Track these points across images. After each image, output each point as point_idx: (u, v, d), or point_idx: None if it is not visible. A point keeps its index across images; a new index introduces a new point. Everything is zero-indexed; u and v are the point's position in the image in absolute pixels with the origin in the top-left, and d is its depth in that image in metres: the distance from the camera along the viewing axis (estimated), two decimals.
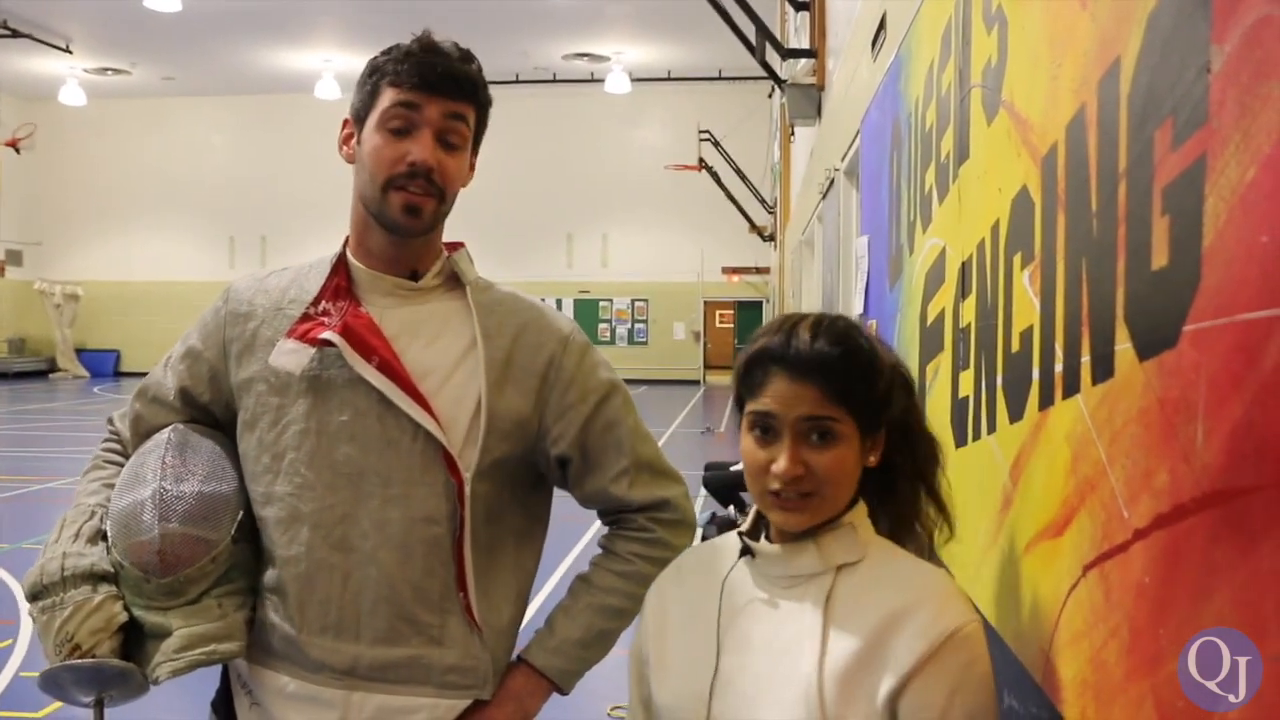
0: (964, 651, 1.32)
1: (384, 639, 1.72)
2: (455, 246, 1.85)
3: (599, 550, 1.90)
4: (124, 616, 1.68)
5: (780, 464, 1.38)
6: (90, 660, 1.63)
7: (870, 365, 1.42)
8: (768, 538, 1.49)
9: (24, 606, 6.25)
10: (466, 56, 1.75)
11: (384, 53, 1.74)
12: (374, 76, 1.73)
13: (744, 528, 1.53)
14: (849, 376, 1.39)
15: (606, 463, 1.83)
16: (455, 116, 1.72)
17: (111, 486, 1.82)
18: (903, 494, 1.51)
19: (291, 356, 1.73)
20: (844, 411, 1.38)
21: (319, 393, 1.74)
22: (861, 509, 1.46)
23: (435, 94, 1.69)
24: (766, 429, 1.40)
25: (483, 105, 1.77)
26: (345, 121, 1.79)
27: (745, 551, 1.49)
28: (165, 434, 1.83)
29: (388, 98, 1.70)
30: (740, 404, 1.46)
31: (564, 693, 1.84)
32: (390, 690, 1.72)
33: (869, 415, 1.41)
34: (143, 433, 1.89)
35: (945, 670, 1.31)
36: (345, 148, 1.79)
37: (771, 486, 1.39)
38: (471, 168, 1.80)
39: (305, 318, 1.76)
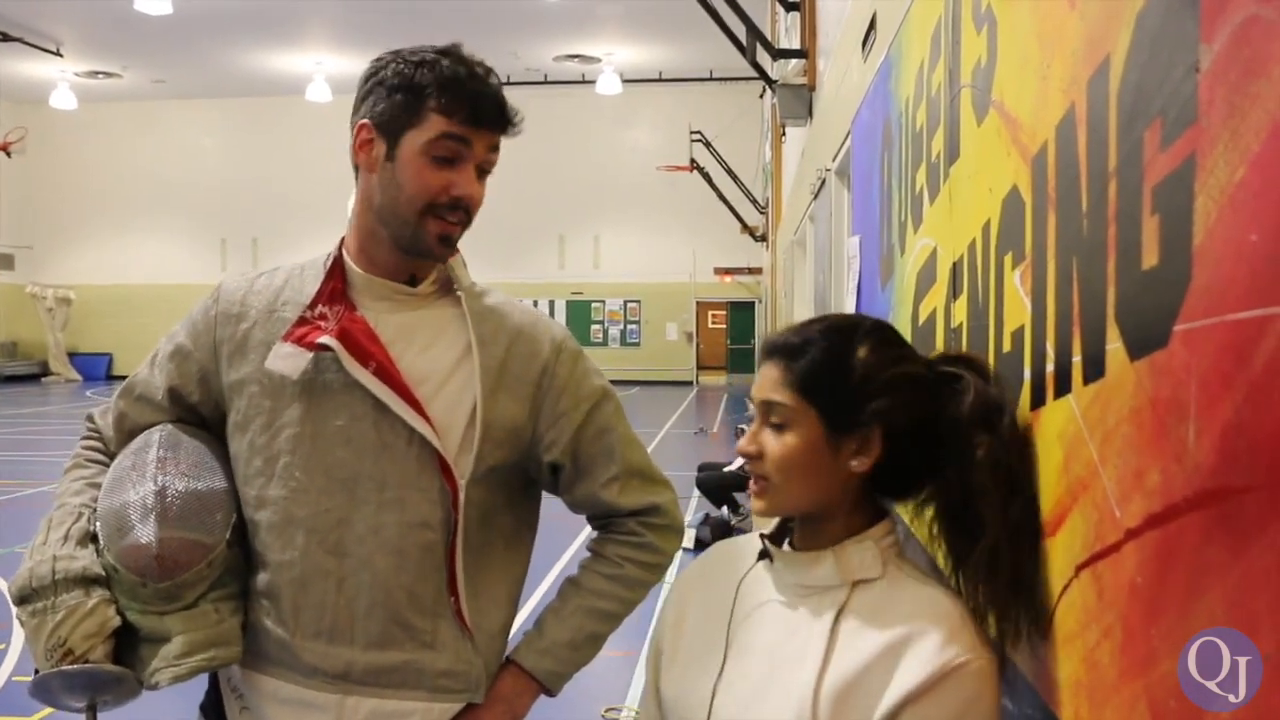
0: (968, 688, 1.29)
1: (377, 643, 1.72)
2: None
3: (588, 554, 1.90)
4: (117, 621, 1.66)
5: (741, 441, 1.45)
6: (84, 666, 1.62)
7: (838, 358, 1.41)
8: (791, 544, 1.49)
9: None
10: (496, 78, 1.73)
11: (420, 64, 1.67)
12: (412, 94, 1.66)
13: (767, 530, 1.53)
14: (808, 365, 1.40)
15: (598, 469, 1.83)
16: (494, 149, 1.72)
17: (96, 486, 1.80)
18: (1000, 568, 1.39)
19: (289, 360, 1.71)
20: (801, 400, 1.40)
21: (313, 397, 1.73)
22: (884, 526, 1.45)
23: (484, 128, 1.68)
24: (753, 415, 1.48)
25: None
26: (363, 126, 1.71)
27: (765, 554, 1.49)
28: (155, 434, 1.81)
29: (437, 126, 1.66)
30: None
31: (552, 694, 1.84)
32: (383, 695, 1.72)
33: (835, 410, 1.40)
34: (127, 431, 1.87)
35: (944, 703, 1.29)
36: (363, 154, 1.72)
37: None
38: None
39: (302, 321, 1.74)
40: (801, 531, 1.46)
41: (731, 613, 1.48)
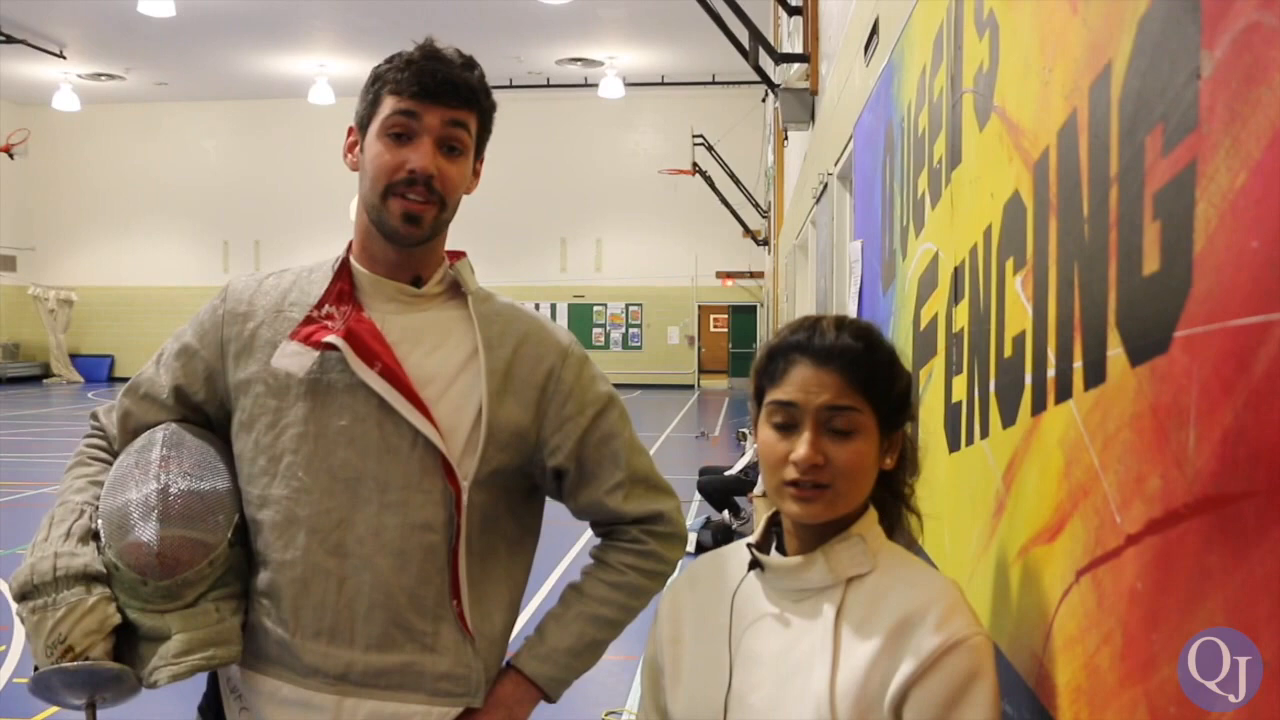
0: (967, 663, 1.30)
1: (377, 645, 1.71)
2: (457, 256, 1.85)
3: (591, 561, 1.90)
4: (118, 618, 1.66)
5: (800, 450, 1.38)
6: (84, 663, 1.62)
7: (892, 362, 1.44)
8: (779, 548, 1.49)
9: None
10: (469, 63, 1.75)
11: (387, 61, 1.74)
12: (376, 85, 1.74)
13: (753, 539, 1.52)
14: (873, 368, 1.40)
15: (602, 475, 1.83)
16: (456, 124, 1.72)
17: (99, 484, 1.80)
18: (898, 495, 1.52)
19: (294, 359, 1.72)
20: (865, 403, 1.39)
21: (318, 396, 1.73)
22: (871, 517, 1.45)
23: (435, 102, 1.69)
24: (787, 420, 1.41)
25: (485, 111, 1.78)
26: (350, 129, 1.80)
27: (754, 564, 1.49)
28: (159, 432, 1.81)
29: (388, 106, 1.70)
30: (759, 398, 1.47)
31: (551, 700, 1.84)
32: (382, 697, 1.72)
33: (889, 412, 1.42)
34: (131, 430, 1.87)
35: (946, 679, 1.30)
36: (350, 155, 1.80)
37: (789, 476, 1.39)
38: (476, 174, 1.81)
39: (308, 320, 1.75)
40: (803, 534, 1.45)
41: (730, 626, 1.48)
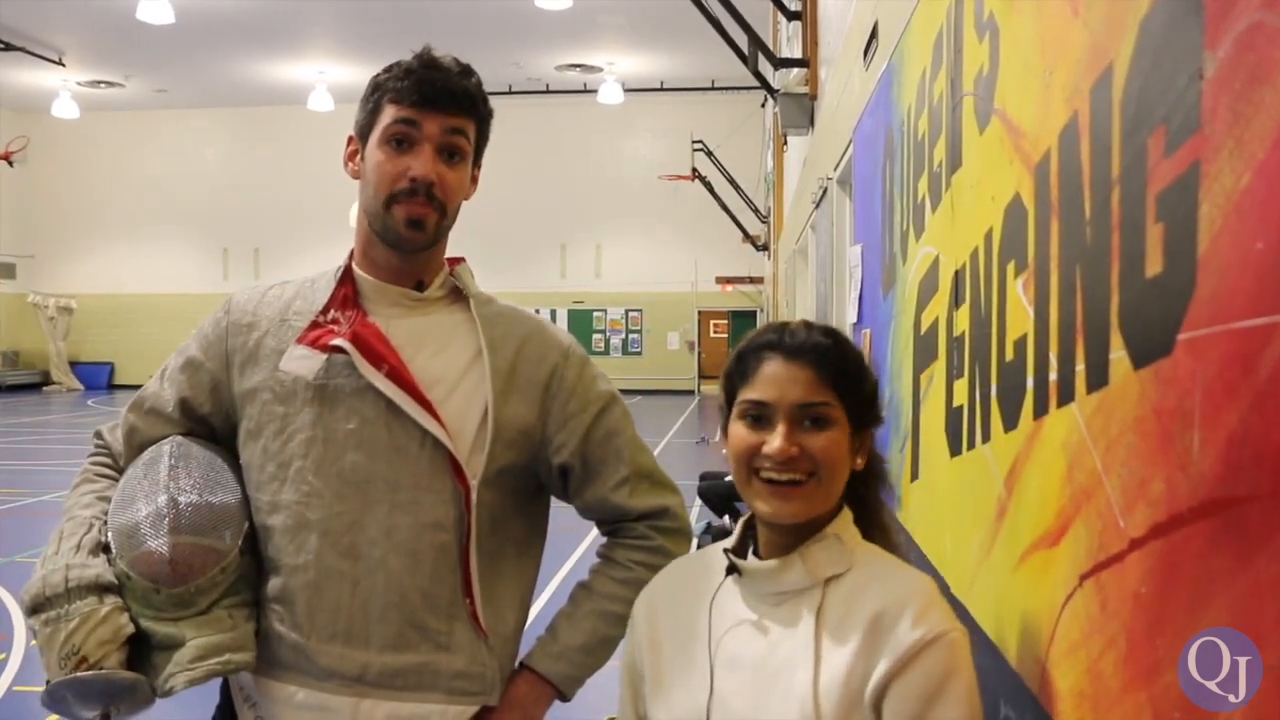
0: (945, 659, 1.31)
1: (393, 646, 1.73)
2: (456, 261, 1.88)
3: (598, 559, 1.91)
4: (131, 628, 1.67)
5: (774, 443, 1.38)
6: (99, 672, 1.62)
7: (860, 361, 1.46)
8: (755, 553, 1.48)
9: (19, 621, 6.19)
10: (466, 71, 1.78)
11: (386, 70, 1.77)
12: (376, 94, 1.76)
13: (729, 544, 1.52)
14: (843, 365, 1.42)
15: (607, 472, 1.85)
16: (455, 131, 1.74)
17: (106, 499, 1.82)
18: (872, 503, 1.52)
19: (303, 362, 1.75)
20: (836, 398, 1.40)
21: (325, 401, 1.75)
22: (846, 517, 1.46)
23: (434, 110, 1.72)
24: (758, 417, 1.41)
25: (483, 118, 1.80)
26: (350, 138, 1.82)
27: (732, 569, 1.48)
28: (166, 445, 1.83)
29: (389, 114, 1.73)
30: (730, 400, 1.47)
31: (566, 699, 1.85)
32: (399, 697, 1.73)
33: (858, 410, 1.43)
34: (137, 445, 1.89)
35: (924, 675, 1.30)
36: (350, 164, 1.82)
37: (761, 467, 1.39)
38: (474, 180, 1.83)
39: (315, 325, 1.78)
40: (779, 537, 1.45)
41: (709, 631, 1.48)
